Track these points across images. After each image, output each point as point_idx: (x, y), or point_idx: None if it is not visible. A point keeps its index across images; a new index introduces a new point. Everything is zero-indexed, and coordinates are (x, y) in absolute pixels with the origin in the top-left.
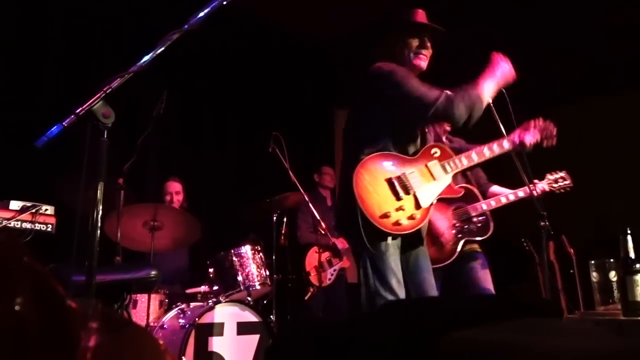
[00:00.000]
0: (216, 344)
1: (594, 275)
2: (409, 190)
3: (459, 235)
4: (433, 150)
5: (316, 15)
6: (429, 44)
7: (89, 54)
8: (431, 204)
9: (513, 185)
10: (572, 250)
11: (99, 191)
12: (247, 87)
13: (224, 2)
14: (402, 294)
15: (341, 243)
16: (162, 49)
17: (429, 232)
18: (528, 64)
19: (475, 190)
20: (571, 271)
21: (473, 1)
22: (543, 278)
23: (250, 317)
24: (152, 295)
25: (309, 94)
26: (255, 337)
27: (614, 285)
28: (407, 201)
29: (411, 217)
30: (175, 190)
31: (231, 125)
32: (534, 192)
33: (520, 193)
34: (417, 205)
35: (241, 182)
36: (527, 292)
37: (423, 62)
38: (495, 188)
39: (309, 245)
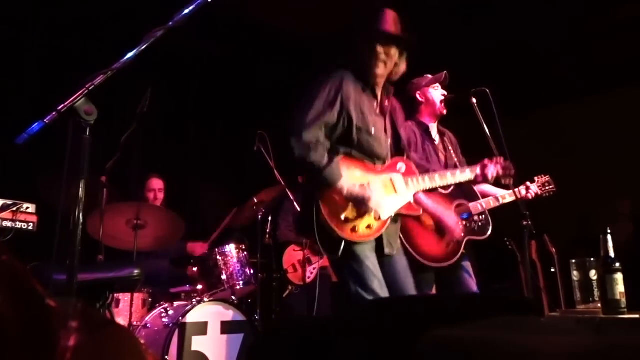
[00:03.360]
0: (200, 343)
1: (575, 274)
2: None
3: (463, 234)
4: (399, 165)
5: (303, 14)
6: (391, 51)
7: (71, 50)
8: (389, 217)
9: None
10: (553, 250)
11: (81, 189)
12: (232, 86)
13: (209, 0)
14: (384, 294)
15: None
16: (146, 45)
17: (436, 230)
18: (512, 64)
19: (475, 189)
20: (553, 270)
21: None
22: (525, 277)
23: (234, 316)
24: (135, 295)
25: (295, 93)
26: (240, 336)
27: (595, 284)
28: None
29: (369, 227)
30: (158, 187)
31: (216, 123)
32: (529, 195)
33: (516, 194)
34: (377, 216)
35: (226, 180)
36: (510, 291)
37: (380, 70)
38: (484, 187)
39: (287, 243)
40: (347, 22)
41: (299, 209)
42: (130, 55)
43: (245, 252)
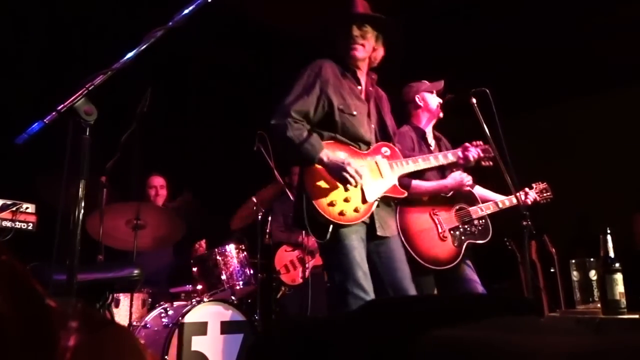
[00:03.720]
0: (199, 343)
1: (575, 274)
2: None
3: (463, 238)
4: (384, 149)
5: (302, 12)
6: (367, 34)
7: (71, 49)
8: (375, 200)
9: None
10: (553, 250)
11: (80, 189)
12: (232, 85)
13: (209, 0)
14: (368, 286)
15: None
16: (146, 45)
17: (438, 233)
18: (512, 65)
19: (475, 193)
20: (552, 270)
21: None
22: (525, 277)
23: (234, 316)
24: (135, 295)
25: None
26: (239, 336)
27: (594, 284)
28: (354, 193)
29: (355, 210)
30: (159, 184)
31: (216, 123)
32: (528, 201)
33: (514, 200)
34: (363, 199)
35: (226, 180)
36: (510, 291)
37: (358, 52)
38: (484, 192)
39: (278, 244)
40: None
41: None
42: (130, 55)
43: (245, 252)
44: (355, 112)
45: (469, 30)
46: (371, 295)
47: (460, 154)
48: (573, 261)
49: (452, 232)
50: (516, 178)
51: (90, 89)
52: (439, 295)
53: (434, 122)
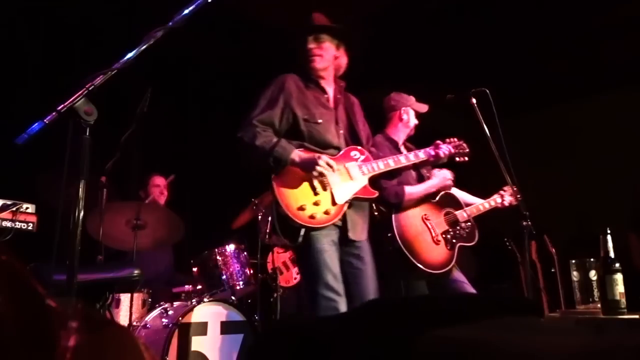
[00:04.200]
0: (199, 343)
1: (575, 274)
2: (326, 186)
3: (454, 241)
4: (353, 152)
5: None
6: (324, 45)
7: (71, 50)
8: (346, 202)
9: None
10: (553, 250)
11: (80, 189)
12: (232, 85)
13: (209, 0)
14: (339, 287)
15: None
16: (146, 46)
17: (433, 239)
18: (512, 65)
19: (457, 197)
20: (552, 270)
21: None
22: (525, 277)
23: (234, 316)
24: (135, 295)
25: None
26: (239, 337)
27: (594, 284)
28: (324, 197)
29: (326, 212)
30: (162, 183)
31: (216, 123)
32: (505, 203)
33: (492, 203)
34: (333, 202)
35: (226, 181)
36: (510, 291)
37: (316, 64)
38: (458, 192)
39: (271, 246)
40: (347, 23)
41: None
42: (130, 55)
43: (245, 253)
44: (320, 120)
45: (469, 30)
46: (342, 297)
47: (431, 151)
48: (573, 261)
49: (443, 235)
50: (516, 178)
51: (90, 89)
52: (439, 296)
53: (408, 136)
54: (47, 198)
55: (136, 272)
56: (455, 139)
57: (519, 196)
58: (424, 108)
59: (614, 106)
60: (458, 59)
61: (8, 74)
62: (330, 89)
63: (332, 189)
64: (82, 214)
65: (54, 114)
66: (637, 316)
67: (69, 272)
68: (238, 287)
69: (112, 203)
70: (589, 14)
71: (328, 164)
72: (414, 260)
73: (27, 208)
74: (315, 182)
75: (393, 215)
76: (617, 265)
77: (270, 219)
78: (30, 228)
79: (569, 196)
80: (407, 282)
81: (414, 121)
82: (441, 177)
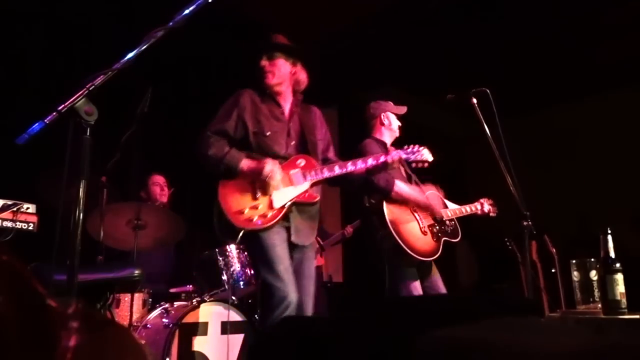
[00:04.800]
0: (200, 343)
1: (575, 274)
2: (266, 191)
3: (439, 235)
4: (299, 161)
5: (301, 15)
6: (277, 62)
7: (72, 50)
8: (283, 206)
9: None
10: (554, 250)
11: (81, 189)
12: (232, 85)
13: (209, 0)
14: (288, 278)
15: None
16: (147, 46)
17: (421, 231)
18: (512, 65)
19: (441, 196)
20: (553, 270)
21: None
22: (525, 277)
23: (234, 316)
24: (136, 295)
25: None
26: (240, 337)
27: (595, 284)
28: (262, 201)
29: (263, 216)
30: (162, 182)
31: None
32: (485, 209)
33: (472, 208)
34: (270, 206)
35: None
36: (510, 291)
37: (268, 80)
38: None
39: None
40: (348, 23)
41: None
42: (130, 55)
43: (246, 253)
44: (268, 133)
45: (470, 30)
46: (292, 288)
47: (382, 157)
48: (573, 261)
49: (430, 228)
50: (516, 178)
51: (90, 89)
52: (439, 296)
53: (393, 138)
54: (47, 198)
55: (137, 272)
56: (416, 146)
57: (495, 208)
58: (402, 110)
59: (614, 106)
60: (458, 59)
61: (8, 74)
62: (286, 103)
63: (271, 194)
64: (82, 214)
65: (54, 114)
66: (637, 316)
67: (69, 272)
68: (238, 287)
69: (112, 203)
70: (589, 14)
71: (272, 170)
72: (404, 246)
73: (27, 208)
74: (257, 188)
75: (385, 203)
76: (618, 265)
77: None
78: (30, 228)
79: (570, 196)
80: (397, 269)
81: (396, 123)
82: (434, 202)
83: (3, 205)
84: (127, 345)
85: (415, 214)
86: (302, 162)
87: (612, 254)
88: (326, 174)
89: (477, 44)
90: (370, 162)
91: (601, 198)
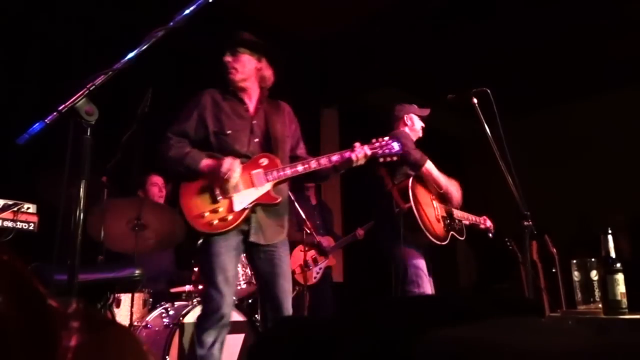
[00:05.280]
0: None
1: (576, 274)
2: (226, 194)
3: (449, 228)
4: (261, 160)
5: (304, 14)
6: (241, 59)
7: (72, 50)
8: (244, 209)
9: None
10: (554, 250)
11: (81, 189)
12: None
13: (209, 0)
14: (227, 291)
15: (326, 241)
16: (147, 46)
17: (435, 215)
18: (513, 65)
19: (449, 194)
20: (553, 270)
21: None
22: (526, 277)
23: (234, 316)
24: (136, 295)
25: (296, 93)
26: (240, 337)
27: (595, 284)
28: (223, 204)
29: (223, 219)
30: (160, 182)
31: None
32: (487, 224)
33: (475, 220)
34: (231, 209)
35: None
36: (510, 291)
37: (232, 76)
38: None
39: (293, 244)
40: (348, 23)
41: (300, 211)
42: (131, 55)
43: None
44: (229, 132)
45: (470, 31)
46: (227, 299)
47: (345, 154)
48: (574, 261)
49: (442, 219)
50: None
51: (91, 89)
52: (440, 296)
53: (415, 139)
54: (48, 198)
55: (137, 272)
56: (384, 139)
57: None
58: (425, 112)
59: (615, 106)
60: (459, 59)
61: (9, 74)
62: (251, 100)
63: (232, 196)
64: (83, 214)
65: (55, 114)
66: (638, 316)
67: (70, 272)
68: (239, 287)
69: (113, 201)
70: (589, 14)
71: (229, 168)
72: (420, 223)
73: (28, 208)
74: (217, 190)
75: (411, 180)
76: (618, 265)
77: None
78: (31, 228)
79: (570, 196)
80: (408, 246)
81: (419, 124)
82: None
83: (3, 205)
84: (127, 345)
85: (434, 202)
86: (264, 161)
87: (613, 254)
88: (288, 173)
89: (477, 44)
90: (335, 158)
91: (601, 198)
